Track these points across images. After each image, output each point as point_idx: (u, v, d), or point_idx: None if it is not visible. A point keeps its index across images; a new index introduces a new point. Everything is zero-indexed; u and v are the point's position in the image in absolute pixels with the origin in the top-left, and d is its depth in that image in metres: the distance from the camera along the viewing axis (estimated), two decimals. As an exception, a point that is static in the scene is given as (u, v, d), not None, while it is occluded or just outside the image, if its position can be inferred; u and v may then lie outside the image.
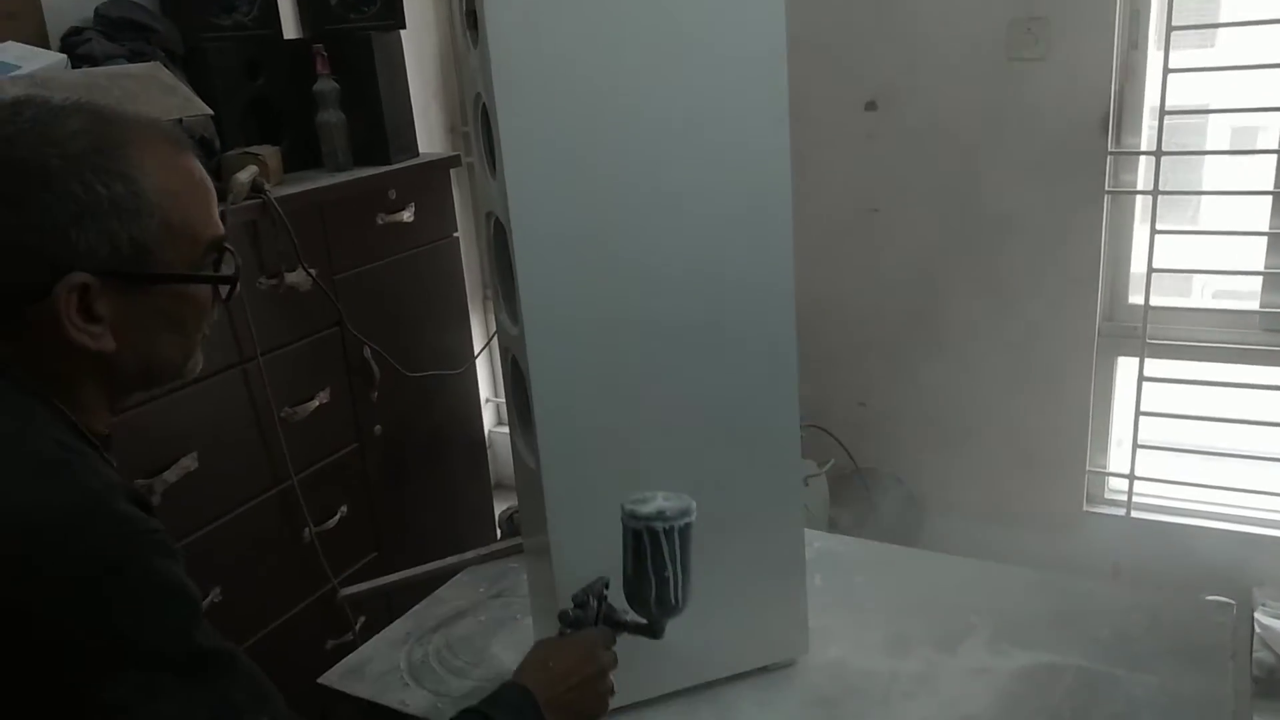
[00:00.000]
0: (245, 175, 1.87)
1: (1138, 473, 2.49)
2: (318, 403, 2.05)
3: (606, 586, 1.22)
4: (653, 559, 1.14)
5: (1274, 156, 2.26)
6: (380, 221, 2.19)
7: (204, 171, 0.93)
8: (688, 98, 1.26)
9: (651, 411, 1.35)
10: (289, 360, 1.99)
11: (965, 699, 1.42)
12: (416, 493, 2.35)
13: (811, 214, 2.15)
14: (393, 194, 2.22)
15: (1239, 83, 2.31)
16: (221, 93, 2.04)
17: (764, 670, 1.51)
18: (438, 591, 1.79)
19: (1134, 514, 2.52)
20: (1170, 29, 2.19)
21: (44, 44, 1.90)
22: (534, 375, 1.29)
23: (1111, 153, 2.36)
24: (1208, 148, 2.94)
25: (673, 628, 1.41)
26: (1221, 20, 2.43)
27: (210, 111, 1.92)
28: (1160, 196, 2.30)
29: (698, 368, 1.36)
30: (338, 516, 2.11)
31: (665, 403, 1.35)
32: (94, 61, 1.86)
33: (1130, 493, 2.51)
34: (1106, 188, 2.38)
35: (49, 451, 0.82)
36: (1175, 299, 2.53)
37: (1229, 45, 2.54)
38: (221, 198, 1.85)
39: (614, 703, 1.23)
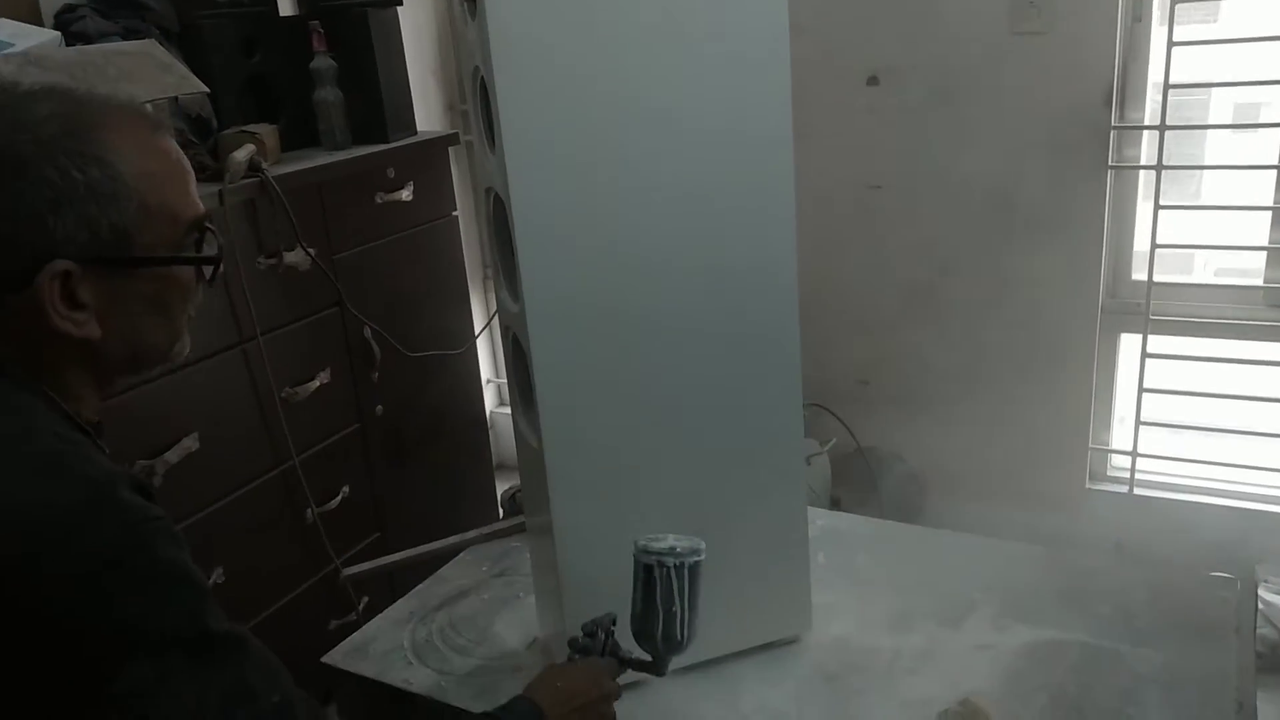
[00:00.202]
0: (242, 154, 1.86)
1: (1141, 450, 2.49)
2: (318, 383, 2.04)
3: (614, 622, 1.27)
4: (662, 594, 1.19)
5: (1279, 131, 2.24)
6: (379, 200, 2.18)
7: (180, 151, 0.92)
8: (689, 71, 1.25)
9: (653, 390, 1.34)
10: (289, 340, 1.99)
11: (968, 675, 1.42)
12: (418, 473, 2.34)
13: (813, 191, 2.13)
14: (391, 172, 2.21)
15: (1242, 57, 2.29)
16: (218, 70, 2.02)
17: (768, 647, 1.51)
18: (441, 571, 1.79)
19: (1137, 491, 2.52)
20: (1174, 2, 2.17)
21: (37, 21, 1.89)
22: (535, 353, 1.29)
23: (1115, 127, 2.35)
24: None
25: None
26: (1226, -7, 2.41)
27: (206, 89, 1.91)
28: (1163, 173, 2.29)
29: (700, 346, 1.35)
30: (340, 497, 2.11)
31: (667, 381, 1.35)
32: (88, 39, 1.84)
33: (1133, 470, 2.51)
34: (1110, 163, 2.36)
35: (49, 446, 0.82)
36: (1178, 275, 2.52)
37: (1232, 19, 2.52)
38: (218, 177, 1.84)
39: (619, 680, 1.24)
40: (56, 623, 0.76)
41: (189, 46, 2.02)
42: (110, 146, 0.85)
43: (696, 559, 1.20)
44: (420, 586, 1.75)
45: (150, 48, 1.85)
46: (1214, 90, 2.48)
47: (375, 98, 2.20)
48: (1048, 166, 2.41)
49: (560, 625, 1.41)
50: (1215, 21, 2.62)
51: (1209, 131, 2.70)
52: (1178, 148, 2.45)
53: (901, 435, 2.75)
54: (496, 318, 1.91)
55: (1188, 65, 2.25)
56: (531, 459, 1.41)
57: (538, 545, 1.54)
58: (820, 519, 1.83)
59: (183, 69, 1.87)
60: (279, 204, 1.90)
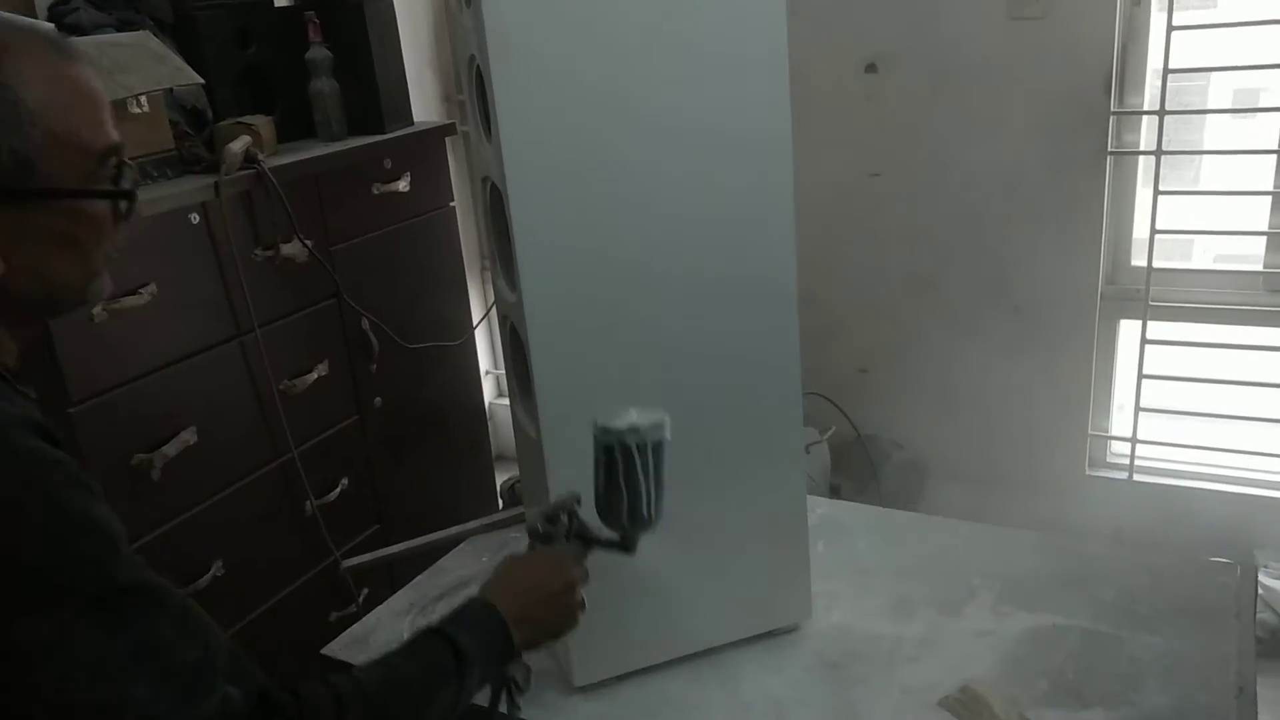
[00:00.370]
0: (238, 145, 1.85)
1: (1140, 436, 2.49)
2: (316, 375, 2.04)
3: (579, 502, 1.19)
4: (625, 475, 1.12)
5: (1278, 116, 2.24)
6: (376, 191, 2.17)
7: (93, 78, 0.87)
8: (686, 58, 1.24)
9: (652, 379, 1.34)
10: (286, 333, 1.98)
11: (969, 661, 1.42)
12: (417, 464, 2.34)
13: (812, 179, 2.13)
14: (388, 163, 2.20)
15: (1241, 41, 2.28)
16: (212, 62, 2.01)
17: (768, 635, 1.51)
18: (440, 561, 1.79)
19: (1136, 477, 2.52)
20: (1174, -15, 2.16)
21: (31, 14, 1.88)
22: (533, 342, 1.28)
23: (1114, 112, 2.34)
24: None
25: (675, 594, 1.41)
26: (1225, -23, 2.40)
27: (201, 81, 1.90)
28: (1162, 158, 2.28)
29: (699, 334, 1.35)
30: (339, 489, 2.11)
31: (666, 370, 1.34)
32: (82, 31, 1.83)
33: (1132, 456, 2.51)
34: (1109, 148, 2.36)
35: None
36: (1178, 261, 2.51)
37: (1231, 3, 2.51)
38: (214, 169, 1.84)
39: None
40: None
41: (183, 38, 2.01)
42: (12, 72, 0.80)
43: (660, 437, 1.13)
44: (420, 578, 1.75)
45: (144, 39, 1.84)
46: (1213, 75, 2.47)
47: (371, 88, 2.19)
48: (1047, 152, 2.41)
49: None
50: (1214, 6, 2.61)
51: (1208, 116, 2.70)
52: (1177, 133, 2.44)
53: (901, 423, 2.75)
54: (495, 309, 1.91)
55: (1187, 50, 2.25)
56: (530, 449, 1.40)
57: (537, 535, 1.53)
58: (820, 507, 1.83)
59: (177, 60, 1.86)
60: (275, 196, 1.90)
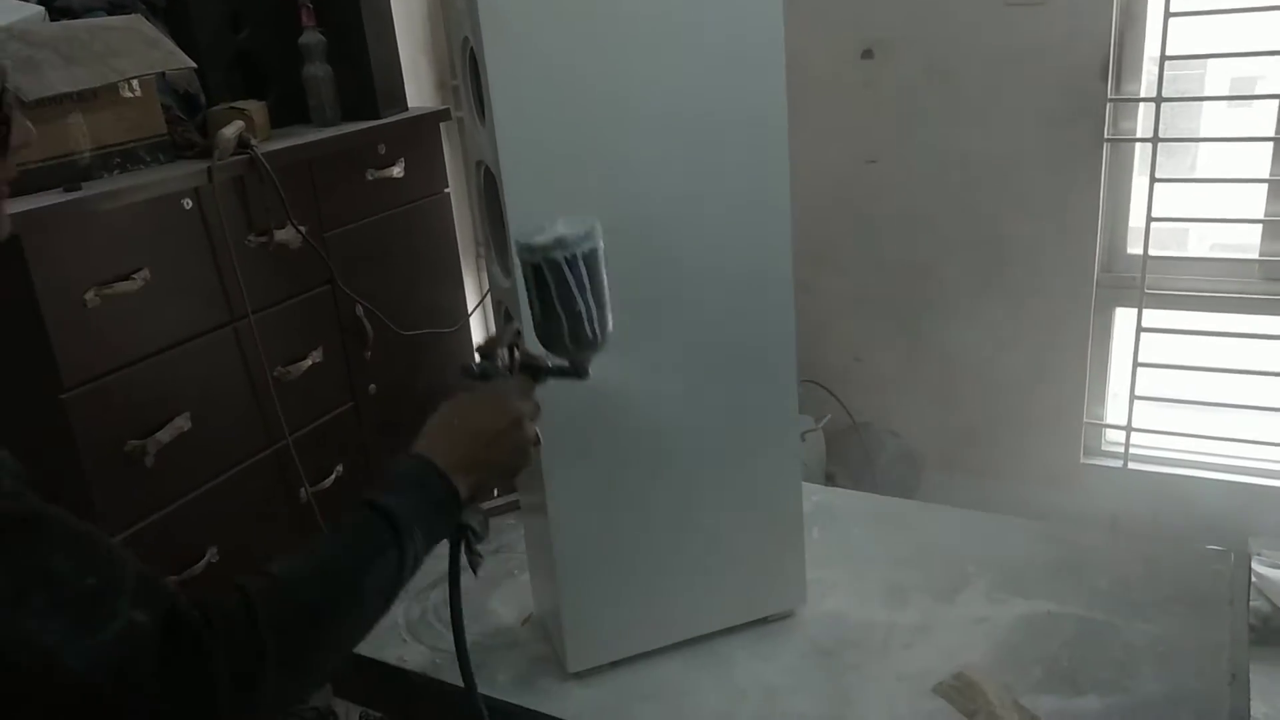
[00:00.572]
0: (231, 131, 1.84)
1: (1135, 424, 2.49)
2: (310, 362, 2.03)
3: (519, 333, 1.11)
4: (559, 294, 1.03)
5: (1274, 103, 2.23)
6: (370, 177, 2.16)
7: None
8: (681, 41, 1.23)
9: (647, 366, 1.34)
10: (280, 319, 1.97)
11: (964, 648, 1.42)
12: (412, 451, 2.33)
13: (808, 166, 2.12)
14: (382, 149, 2.19)
15: (1238, 28, 2.27)
16: (204, 46, 2.00)
17: (763, 622, 1.51)
18: (435, 548, 1.78)
19: (1131, 465, 2.52)
20: (1172, -28, 2.15)
21: (21, -3, 1.86)
22: (527, 331, 1.28)
23: (1111, 100, 2.33)
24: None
25: (670, 581, 1.41)
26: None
27: (194, 65, 1.88)
28: (1159, 146, 2.28)
29: (694, 323, 1.34)
30: (333, 476, 2.10)
31: (661, 357, 1.34)
32: (73, 15, 1.82)
33: (1128, 444, 2.51)
34: (1106, 135, 2.35)
35: None
36: (1174, 249, 2.51)
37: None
38: (207, 154, 1.82)
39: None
40: None
41: (175, 21, 1.99)
42: None
43: (591, 246, 1.03)
44: (415, 565, 1.74)
45: (136, 23, 1.82)
46: (1210, 62, 2.46)
47: (365, 73, 2.18)
48: (1043, 139, 2.40)
49: (555, 602, 1.41)
50: (1212, -7, 2.60)
51: (1205, 104, 2.69)
52: (1173, 120, 2.44)
53: (896, 411, 2.75)
54: (490, 295, 1.90)
55: (1184, 37, 2.24)
56: (525, 436, 1.40)
57: (532, 522, 1.53)
58: (815, 495, 1.83)
59: (169, 44, 1.85)
60: (269, 181, 1.89)
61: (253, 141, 1.87)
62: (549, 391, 1.12)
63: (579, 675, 1.43)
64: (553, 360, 1.11)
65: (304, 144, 2.02)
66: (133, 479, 1.68)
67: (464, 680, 1.14)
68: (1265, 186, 2.30)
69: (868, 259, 2.68)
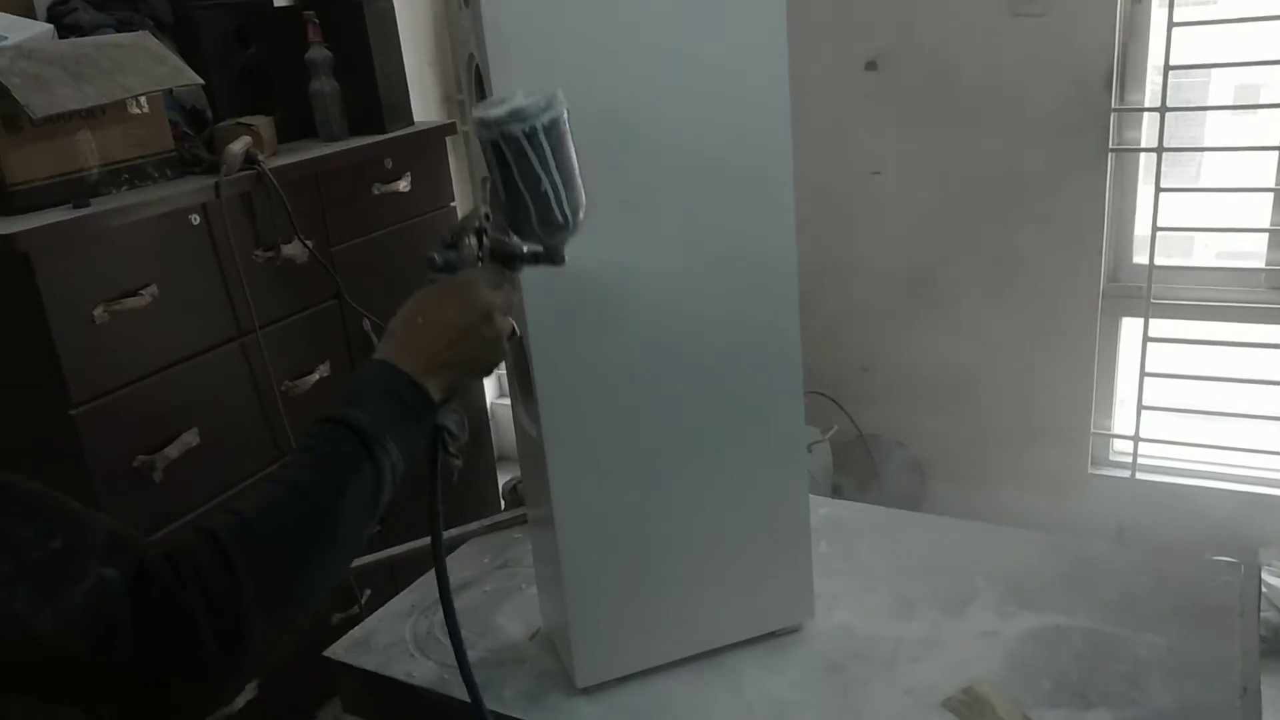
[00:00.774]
0: (238, 146, 1.85)
1: (1143, 434, 2.49)
2: (318, 376, 2.04)
3: (487, 218, 1.04)
4: (521, 172, 0.95)
5: (1279, 112, 2.23)
6: (376, 191, 2.17)
7: None
8: (685, 55, 1.24)
9: (654, 379, 1.34)
10: (288, 333, 1.98)
11: (972, 662, 1.41)
12: (418, 465, 2.33)
13: (813, 177, 2.13)
14: (388, 163, 2.20)
15: (1242, 38, 2.28)
16: (212, 62, 2.01)
17: (770, 636, 1.50)
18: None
19: (1139, 476, 2.51)
20: (1175, -18, 2.16)
21: (30, 14, 1.87)
22: (534, 343, 1.28)
23: (1115, 109, 2.33)
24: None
25: (678, 595, 1.41)
26: (1227, -27, 2.40)
27: (201, 81, 1.89)
28: (1164, 155, 2.28)
29: (700, 333, 1.34)
30: (340, 489, 2.10)
31: (668, 370, 1.34)
32: (81, 31, 1.83)
33: (1135, 454, 2.51)
34: (1110, 145, 2.35)
35: None
36: (1179, 259, 2.51)
37: (1232, 0, 2.50)
38: (214, 169, 1.84)
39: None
40: None
41: (183, 38, 2.01)
42: None
43: (552, 115, 0.94)
44: (422, 579, 1.74)
45: (144, 40, 1.84)
46: (1214, 71, 2.47)
47: (371, 88, 2.19)
48: (1048, 150, 2.40)
49: (563, 617, 1.41)
50: (1215, 2, 2.61)
51: (1209, 113, 2.69)
52: (1178, 130, 2.44)
53: (903, 422, 2.75)
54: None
55: (1188, 46, 2.24)
56: (531, 450, 1.40)
57: (539, 536, 1.53)
58: (822, 507, 1.82)
59: (177, 61, 1.86)
60: (276, 196, 1.89)
61: (260, 157, 1.88)
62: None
63: (587, 690, 1.43)
64: (526, 246, 1.03)
65: (310, 159, 2.03)
66: (141, 494, 1.68)
67: (455, 656, 1.08)
68: (1270, 195, 2.30)
69: (874, 270, 2.68)
